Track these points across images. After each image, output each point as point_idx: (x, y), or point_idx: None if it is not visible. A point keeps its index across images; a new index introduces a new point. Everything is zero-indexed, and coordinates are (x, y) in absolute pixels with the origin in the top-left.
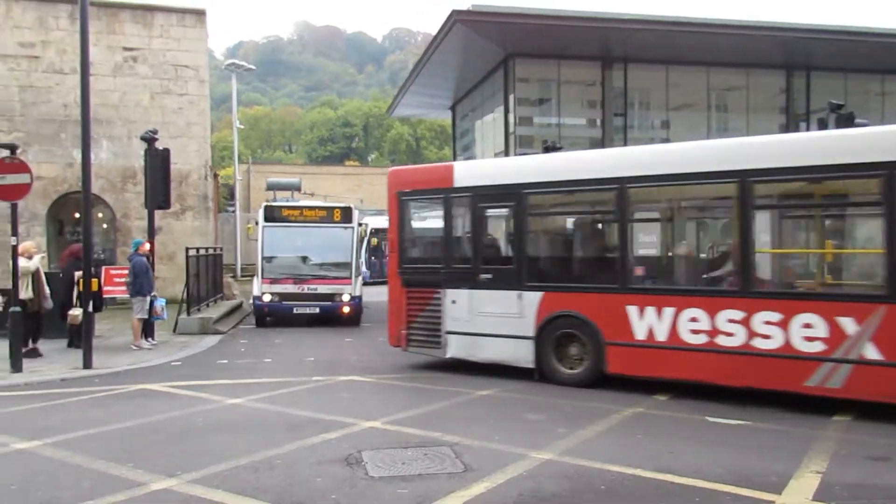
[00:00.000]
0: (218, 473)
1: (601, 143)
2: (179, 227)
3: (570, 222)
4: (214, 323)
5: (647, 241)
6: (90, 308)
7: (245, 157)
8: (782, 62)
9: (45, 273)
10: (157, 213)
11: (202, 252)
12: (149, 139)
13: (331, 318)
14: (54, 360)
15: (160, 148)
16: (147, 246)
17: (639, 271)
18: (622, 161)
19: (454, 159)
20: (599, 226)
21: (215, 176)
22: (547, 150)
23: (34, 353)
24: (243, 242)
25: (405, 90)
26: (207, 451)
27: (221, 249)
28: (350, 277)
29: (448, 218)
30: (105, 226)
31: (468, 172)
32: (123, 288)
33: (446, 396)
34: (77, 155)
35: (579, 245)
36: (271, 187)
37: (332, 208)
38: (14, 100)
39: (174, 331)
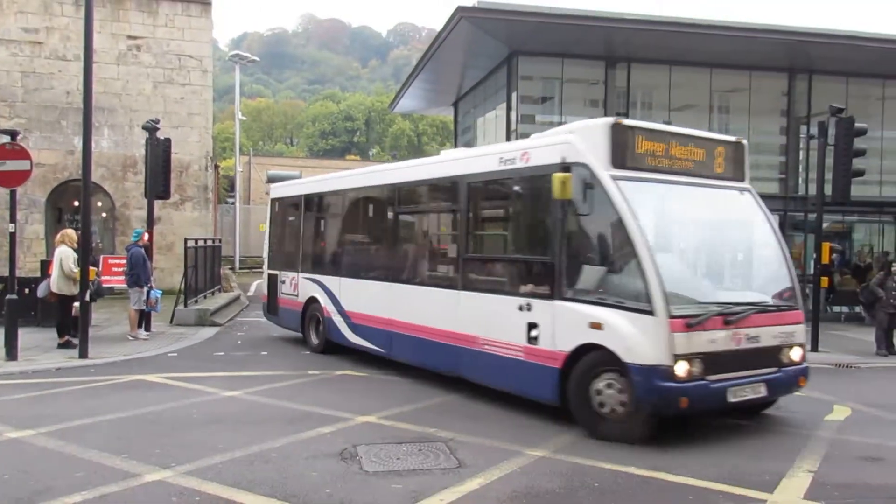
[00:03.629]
0: (213, 466)
1: None
2: (179, 217)
3: None
4: (212, 315)
5: None
6: (87, 297)
7: (246, 149)
8: (785, 65)
9: (45, 261)
10: (157, 203)
11: (201, 243)
12: (150, 128)
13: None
14: (50, 350)
15: (162, 138)
16: (146, 237)
17: None
18: None
19: None
20: None
21: (216, 167)
22: None
23: (69, 345)
24: (243, 233)
25: (408, 85)
26: (202, 444)
27: (220, 241)
28: (797, 304)
29: None
30: (104, 215)
31: None
32: (122, 278)
33: (445, 393)
34: (78, 143)
35: None
36: (272, 179)
37: (713, 143)
38: (16, 86)
39: (171, 322)
